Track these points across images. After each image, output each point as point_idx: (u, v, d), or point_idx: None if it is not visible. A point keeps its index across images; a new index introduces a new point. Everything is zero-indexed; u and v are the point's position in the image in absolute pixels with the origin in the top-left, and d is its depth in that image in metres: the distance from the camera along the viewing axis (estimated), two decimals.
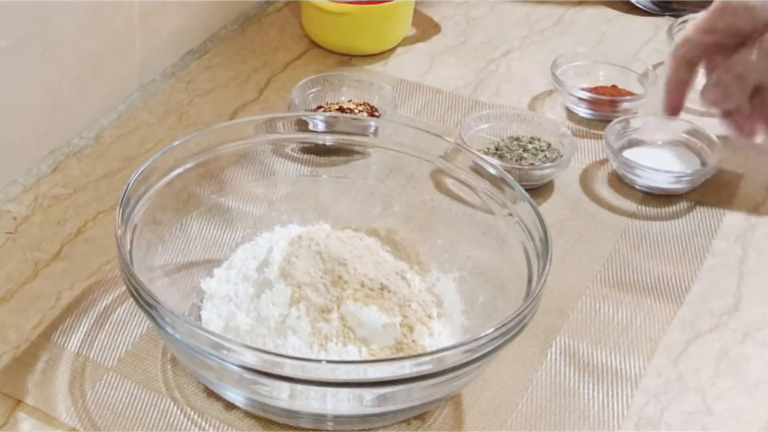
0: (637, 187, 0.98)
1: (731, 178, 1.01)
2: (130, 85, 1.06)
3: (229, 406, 0.75)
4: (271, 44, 1.17)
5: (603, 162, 1.02)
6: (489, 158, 0.92)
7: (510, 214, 0.81)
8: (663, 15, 1.25)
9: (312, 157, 0.90)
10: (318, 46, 1.17)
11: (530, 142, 0.99)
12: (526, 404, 0.78)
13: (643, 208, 0.96)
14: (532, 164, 0.96)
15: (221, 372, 0.71)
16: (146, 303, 0.71)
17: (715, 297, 0.88)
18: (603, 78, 1.10)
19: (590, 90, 1.07)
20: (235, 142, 0.86)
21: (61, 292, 0.84)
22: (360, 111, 1.02)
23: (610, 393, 0.79)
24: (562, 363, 0.81)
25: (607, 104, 1.06)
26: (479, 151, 0.95)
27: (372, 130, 0.89)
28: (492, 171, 0.84)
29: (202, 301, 0.81)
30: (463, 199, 0.86)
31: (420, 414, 0.76)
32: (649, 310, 0.86)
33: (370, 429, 0.75)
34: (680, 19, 1.15)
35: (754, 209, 0.97)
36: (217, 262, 0.84)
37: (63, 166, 0.97)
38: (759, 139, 0.89)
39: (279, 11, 1.23)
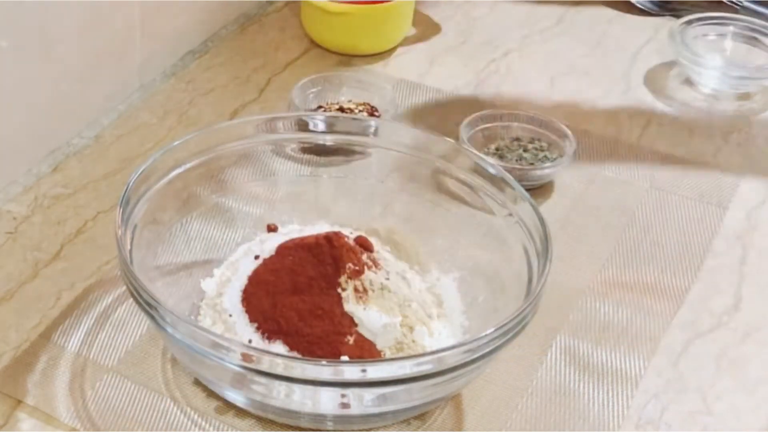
0: None
1: (731, 178, 1.01)
2: (130, 85, 1.06)
3: (229, 405, 0.75)
4: (271, 44, 1.17)
5: (604, 161, 1.02)
6: (489, 158, 0.92)
7: (510, 214, 0.81)
8: (663, 15, 1.25)
9: (312, 157, 0.90)
10: (318, 46, 1.17)
11: (530, 142, 0.99)
12: (526, 404, 0.78)
13: (644, 207, 0.97)
14: (532, 164, 0.96)
15: (221, 372, 0.71)
16: (146, 303, 0.71)
17: (715, 297, 0.88)
18: None
19: None
20: (235, 142, 0.86)
21: (61, 292, 0.84)
22: (360, 111, 1.02)
23: (610, 393, 0.79)
24: (562, 363, 0.81)
25: None
26: (479, 151, 0.95)
27: (372, 130, 0.89)
28: (492, 171, 0.84)
29: (202, 301, 0.81)
30: (463, 199, 0.86)
31: (420, 414, 0.76)
32: (649, 310, 0.86)
33: (370, 429, 0.75)
34: (681, 20, 1.15)
35: (754, 209, 0.97)
36: (217, 262, 0.84)
37: (63, 166, 0.97)
38: None
39: (279, 11, 1.23)
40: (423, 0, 1.24)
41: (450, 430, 0.76)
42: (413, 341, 0.77)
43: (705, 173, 1.01)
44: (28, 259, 0.87)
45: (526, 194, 0.80)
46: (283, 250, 0.79)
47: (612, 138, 1.05)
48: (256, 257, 0.81)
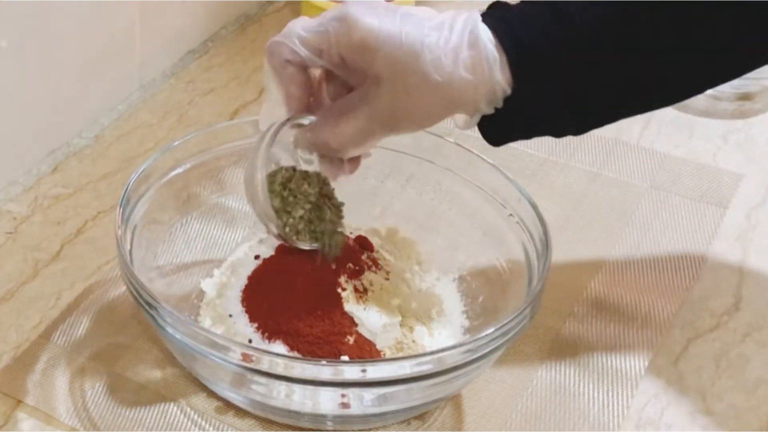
0: None
1: (731, 178, 1.01)
2: (130, 85, 1.06)
3: (229, 405, 0.75)
4: None
5: (604, 161, 1.02)
6: (489, 158, 0.92)
7: (510, 214, 0.81)
8: None
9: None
10: None
11: None
12: (526, 404, 0.78)
13: (644, 207, 0.96)
14: None
15: (221, 372, 0.71)
16: (146, 303, 0.71)
17: (715, 297, 0.88)
18: None
19: None
20: (235, 142, 0.86)
21: (61, 292, 0.84)
22: None
23: (610, 393, 0.79)
24: (562, 363, 0.81)
25: None
26: None
27: None
28: (492, 171, 0.83)
29: (202, 301, 0.81)
30: (463, 199, 0.86)
31: (420, 414, 0.76)
32: (649, 310, 0.86)
33: (370, 429, 0.75)
34: None
35: (754, 209, 0.97)
36: (217, 262, 0.84)
37: (63, 166, 0.97)
38: None
39: (279, 11, 1.23)
40: (423, 0, 1.24)
41: (450, 430, 0.76)
42: (413, 341, 0.77)
43: (705, 173, 1.01)
44: (28, 259, 0.87)
45: (527, 194, 0.81)
46: (283, 250, 0.79)
47: (612, 138, 1.05)
48: (256, 257, 0.81)
